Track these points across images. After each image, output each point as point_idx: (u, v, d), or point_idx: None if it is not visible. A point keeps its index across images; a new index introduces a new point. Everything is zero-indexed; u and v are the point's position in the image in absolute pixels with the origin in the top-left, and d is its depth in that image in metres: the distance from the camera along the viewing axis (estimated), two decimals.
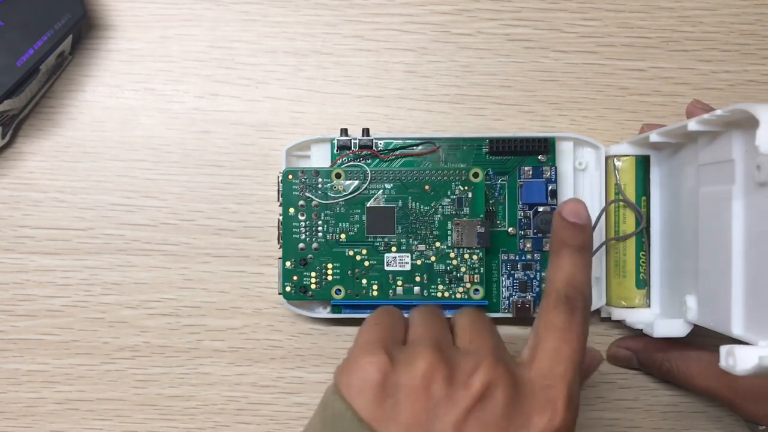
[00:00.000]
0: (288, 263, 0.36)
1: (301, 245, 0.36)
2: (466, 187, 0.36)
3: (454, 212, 0.36)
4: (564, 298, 0.29)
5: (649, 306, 0.37)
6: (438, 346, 0.28)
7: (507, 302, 0.37)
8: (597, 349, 0.34)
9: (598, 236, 0.37)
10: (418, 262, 0.36)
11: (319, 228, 0.36)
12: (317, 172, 0.36)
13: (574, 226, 0.30)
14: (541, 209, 0.37)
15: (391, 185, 0.36)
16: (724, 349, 0.25)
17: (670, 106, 0.39)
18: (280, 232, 0.36)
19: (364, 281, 0.36)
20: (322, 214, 0.36)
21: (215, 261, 0.39)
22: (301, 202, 0.36)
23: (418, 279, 0.36)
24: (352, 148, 0.37)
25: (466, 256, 0.36)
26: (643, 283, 0.37)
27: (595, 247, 0.36)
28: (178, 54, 0.40)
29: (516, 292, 0.37)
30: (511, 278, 0.37)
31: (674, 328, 0.34)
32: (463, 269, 0.36)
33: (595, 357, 0.33)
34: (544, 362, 0.27)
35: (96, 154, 0.39)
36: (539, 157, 0.37)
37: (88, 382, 0.39)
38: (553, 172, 0.37)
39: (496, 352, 0.28)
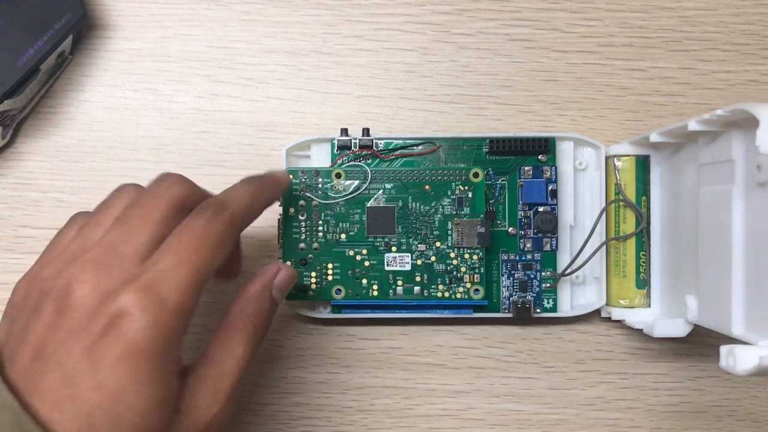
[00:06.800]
0: (288, 263, 0.36)
1: (301, 245, 0.36)
2: (466, 187, 0.36)
3: (454, 212, 0.36)
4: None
5: (649, 306, 0.37)
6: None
7: (507, 302, 0.37)
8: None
9: (599, 236, 0.37)
10: (419, 262, 0.36)
11: (319, 228, 0.36)
12: (317, 172, 0.36)
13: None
14: (541, 209, 0.37)
15: (392, 185, 0.36)
16: (724, 349, 0.25)
17: (670, 106, 0.39)
18: (280, 232, 0.36)
19: (364, 281, 0.36)
20: (322, 214, 0.36)
21: None
22: (301, 202, 0.36)
23: (418, 279, 0.36)
24: (352, 148, 0.37)
25: (467, 256, 0.36)
26: (643, 283, 0.37)
27: (595, 247, 0.37)
28: (178, 54, 0.40)
29: (516, 292, 0.37)
30: (511, 278, 0.37)
31: (674, 328, 0.34)
32: (463, 269, 0.36)
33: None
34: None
35: (96, 154, 0.39)
36: (539, 157, 0.37)
37: None
38: (553, 172, 0.37)
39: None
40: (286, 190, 0.33)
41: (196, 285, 0.25)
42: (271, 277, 0.30)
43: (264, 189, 0.30)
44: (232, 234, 0.27)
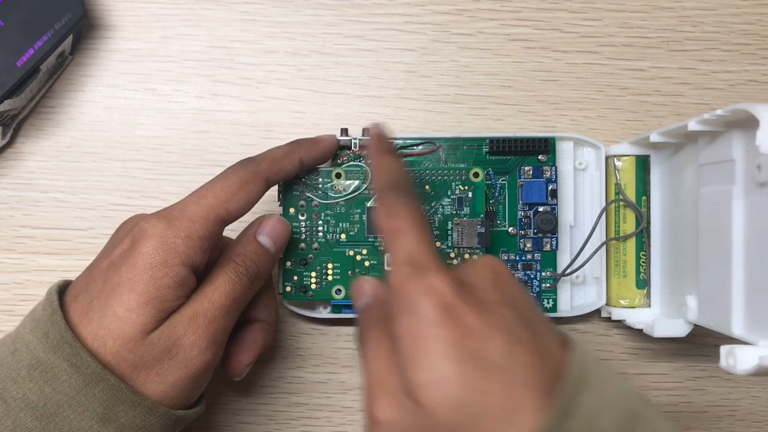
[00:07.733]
0: (288, 263, 0.36)
1: (301, 245, 0.36)
2: (466, 187, 0.36)
3: (454, 212, 0.36)
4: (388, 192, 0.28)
5: (649, 306, 0.37)
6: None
7: None
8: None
9: (598, 236, 0.37)
10: None
11: (320, 228, 0.36)
12: (317, 172, 0.36)
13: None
14: (541, 209, 0.37)
15: None
16: (724, 349, 0.25)
17: (670, 106, 0.39)
18: None
19: None
20: (323, 214, 0.36)
21: None
22: (302, 202, 0.36)
23: None
24: (353, 148, 0.37)
25: (467, 256, 0.36)
26: (643, 283, 0.37)
27: (595, 248, 0.37)
28: (178, 54, 0.40)
29: None
30: None
31: (674, 328, 0.34)
32: None
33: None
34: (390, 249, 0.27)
35: (96, 154, 0.39)
36: (539, 157, 0.37)
37: None
38: (553, 172, 0.37)
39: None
40: (327, 150, 0.35)
41: (207, 217, 0.30)
42: (255, 225, 0.33)
43: (299, 148, 0.34)
44: (256, 181, 0.32)
